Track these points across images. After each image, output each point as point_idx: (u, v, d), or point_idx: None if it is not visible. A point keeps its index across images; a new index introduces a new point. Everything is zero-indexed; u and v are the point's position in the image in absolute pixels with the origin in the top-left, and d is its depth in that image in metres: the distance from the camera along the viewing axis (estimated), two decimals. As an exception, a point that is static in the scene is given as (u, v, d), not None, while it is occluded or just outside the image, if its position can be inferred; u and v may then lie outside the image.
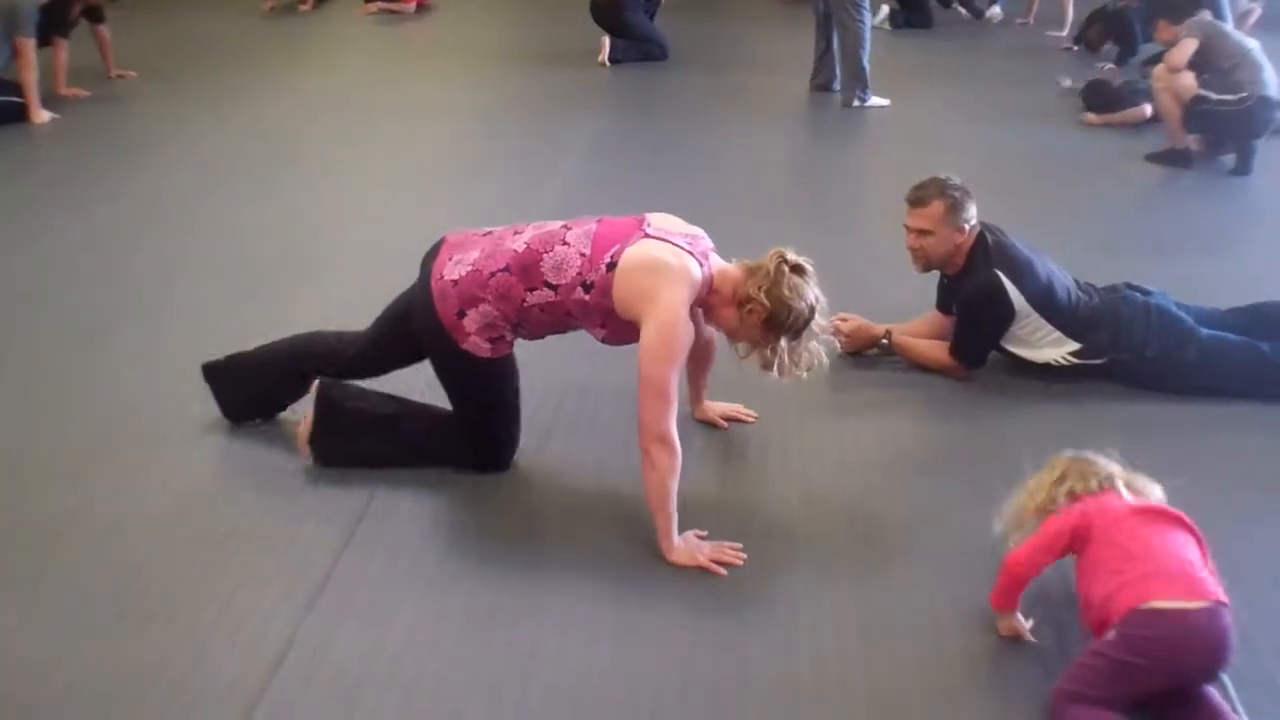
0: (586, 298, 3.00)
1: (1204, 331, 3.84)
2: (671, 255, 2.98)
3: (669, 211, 3.21)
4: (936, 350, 3.96)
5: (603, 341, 3.14)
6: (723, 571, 2.89)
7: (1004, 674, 2.58)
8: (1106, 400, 3.78)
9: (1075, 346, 3.83)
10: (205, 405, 3.51)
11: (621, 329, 3.04)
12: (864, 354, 4.06)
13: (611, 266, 2.97)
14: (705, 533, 3.01)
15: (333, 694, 2.48)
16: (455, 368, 3.17)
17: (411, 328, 3.22)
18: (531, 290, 3.03)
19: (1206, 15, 6.65)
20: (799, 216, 5.58)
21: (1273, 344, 3.81)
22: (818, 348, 3.10)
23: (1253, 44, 6.46)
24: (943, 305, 4.07)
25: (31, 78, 6.97)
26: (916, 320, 4.12)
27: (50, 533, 3.02)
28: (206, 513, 3.11)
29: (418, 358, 3.30)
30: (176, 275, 4.71)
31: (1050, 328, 3.83)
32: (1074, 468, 2.70)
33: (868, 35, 7.79)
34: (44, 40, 7.28)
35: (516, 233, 3.13)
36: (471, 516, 3.14)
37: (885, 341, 4.03)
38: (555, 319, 3.10)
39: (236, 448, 3.36)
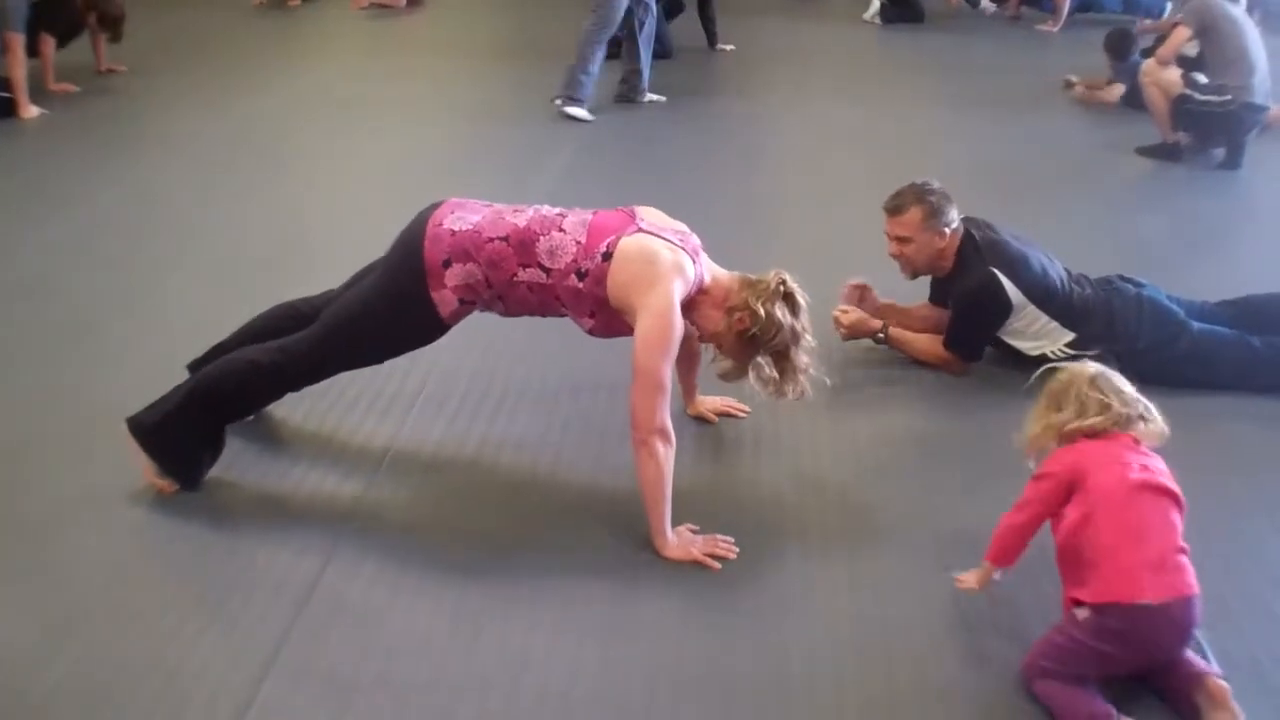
0: (580, 285, 3.01)
1: (1195, 324, 3.84)
2: (666, 249, 3.00)
3: (662, 208, 3.22)
4: (933, 345, 3.96)
5: (590, 332, 3.14)
6: (717, 565, 2.90)
7: (997, 668, 2.57)
8: (1098, 394, 3.78)
9: (1071, 337, 3.84)
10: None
11: (610, 320, 3.05)
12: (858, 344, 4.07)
13: (607, 256, 2.98)
14: (697, 527, 3.01)
15: (324, 695, 2.48)
16: (395, 303, 3.11)
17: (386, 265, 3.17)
18: (525, 267, 3.04)
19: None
20: (790, 208, 5.58)
21: (1263, 337, 3.82)
22: (805, 381, 3.11)
23: (1254, 40, 6.31)
24: (936, 298, 4.08)
25: (20, 73, 6.93)
26: (912, 306, 4.14)
27: (41, 529, 3.02)
28: (197, 510, 3.10)
29: None
30: (167, 270, 4.70)
31: (1047, 318, 3.84)
32: (1071, 392, 2.65)
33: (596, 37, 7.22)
34: (35, 40, 7.23)
35: (517, 211, 3.14)
36: (461, 516, 3.14)
37: (882, 336, 4.03)
38: (543, 301, 3.10)
39: (229, 444, 3.34)
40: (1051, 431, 2.66)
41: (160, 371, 3.43)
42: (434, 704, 2.46)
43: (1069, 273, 3.96)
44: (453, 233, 3.06)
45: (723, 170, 6.30)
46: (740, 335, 3.05)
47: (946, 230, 3.82)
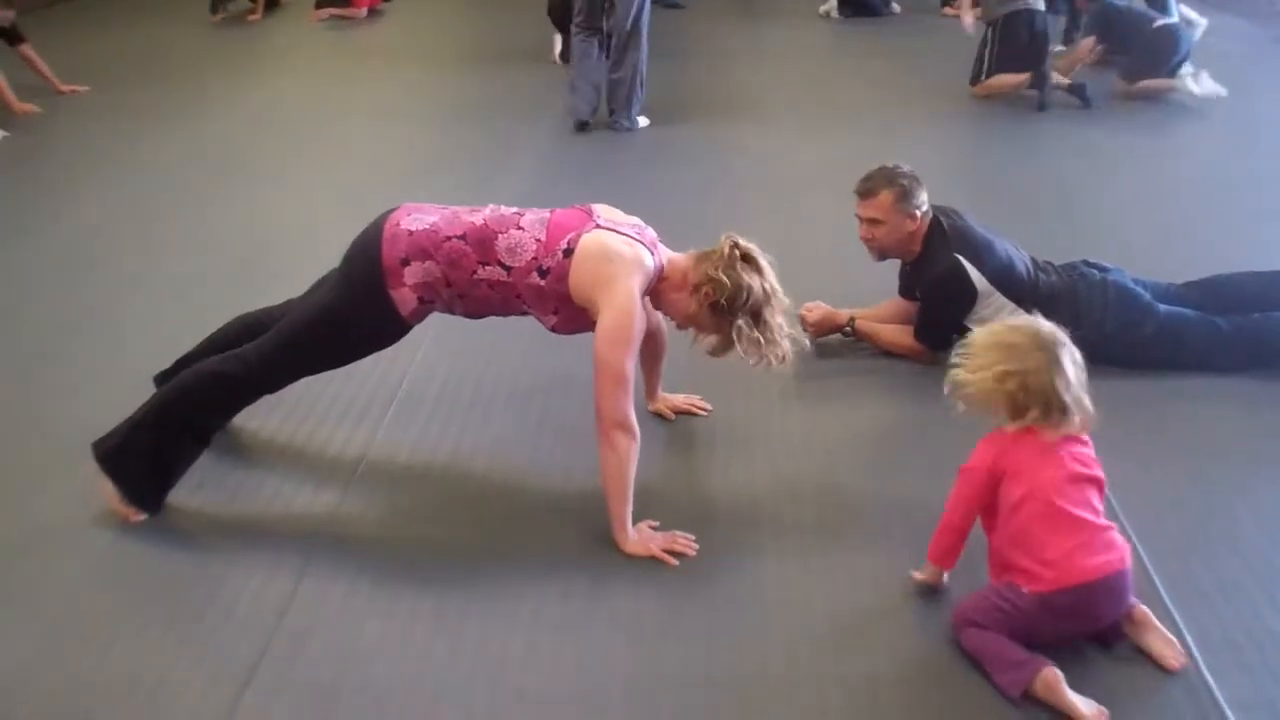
0: (542, 283, 3.02)
1: (1161, 307, 3.87)
2: (624, 244, 3.02)
3: (627, 203, 3.23)
4: (901, 335, 3.98)
5: (552, 330, 3.14)
6: (674, 562, 2.91)
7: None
8: (1067, 378, 3.80)
9: (1037, 325, 3.86)
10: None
11: (573, 316, 3.06)
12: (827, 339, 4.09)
13: (568, 253, 3.00)
14: (657, 523, 3.03)
15: (304, 705, 2.48)
16: (355, 303, 3.09)
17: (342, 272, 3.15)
18: (484, 265, 3.03)
19: None
20: (755, 206, 5.59)
21: (1228, 317, 3.85)
22: (786, 342, 3.07)
23: None
24: (905, 291, 4.09)
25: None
26: (879, 306, 4.14)
27: (13, 553, 3.00)
28: (170, 527, 3.08)
29: None
30: (132, 290, 4.68)
31: (1013, 305, 3.85)
32: (1010, 359, 2.63)
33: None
34: None
35: (474, 211, 3.14)
36: (437, 521, 3.14)
37: (849, 329, 4.05)
38: (505, 299, 3.10)
39: (200, 458, 3.31)
40: (1003, 405, 2.62)
41: (126, 392, 3.40)
42: (415, 708, 2.47)
43: (1034, 260, 3.99)
44: (410, 232, 3.05)
45: (681, 167, 6.29)
46: (712, 308, 3.03)
47: (917, 213, 3.84)
